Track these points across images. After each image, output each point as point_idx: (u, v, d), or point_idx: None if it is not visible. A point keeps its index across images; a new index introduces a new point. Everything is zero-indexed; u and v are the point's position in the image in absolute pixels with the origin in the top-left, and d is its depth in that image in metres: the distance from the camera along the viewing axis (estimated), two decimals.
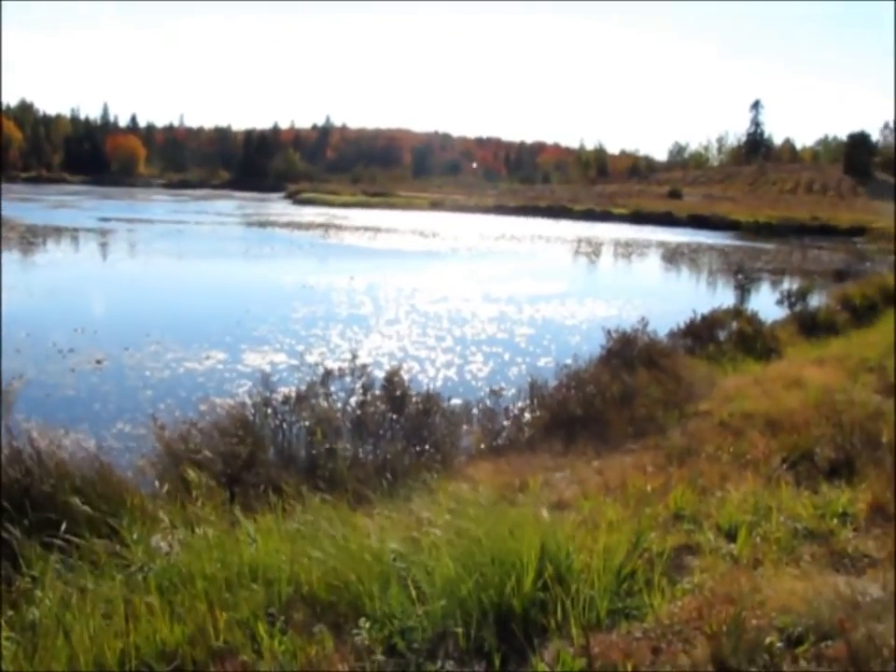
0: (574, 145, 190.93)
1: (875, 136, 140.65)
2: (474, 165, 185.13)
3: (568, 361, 13.10)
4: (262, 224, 63.04)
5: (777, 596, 4.34)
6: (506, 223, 71.60)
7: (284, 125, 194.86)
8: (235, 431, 8.49)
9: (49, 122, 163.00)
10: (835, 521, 5.74)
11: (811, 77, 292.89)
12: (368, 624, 4.17)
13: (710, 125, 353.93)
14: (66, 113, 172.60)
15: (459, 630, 4.05)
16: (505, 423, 11.08)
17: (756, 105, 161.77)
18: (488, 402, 11.47)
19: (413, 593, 4.34)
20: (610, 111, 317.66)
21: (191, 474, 7.14)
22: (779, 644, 3.84)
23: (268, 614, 4.35)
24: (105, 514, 6.00)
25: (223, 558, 4.93)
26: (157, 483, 7.70)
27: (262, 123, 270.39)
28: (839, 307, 22.01)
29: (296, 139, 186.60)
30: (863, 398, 10.29)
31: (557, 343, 19.51)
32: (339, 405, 9.70)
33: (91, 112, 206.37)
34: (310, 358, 15.80)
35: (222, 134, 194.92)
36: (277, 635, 4.09)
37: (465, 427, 10.79)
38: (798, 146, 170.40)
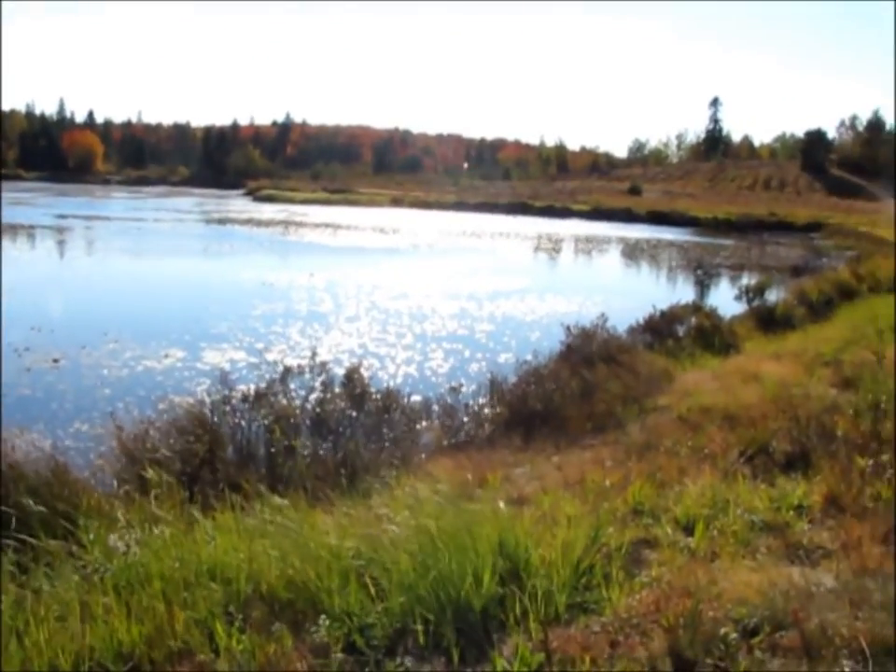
0: (534, 141, 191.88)
1: (832, 134, 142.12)
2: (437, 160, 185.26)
3: (528, 357, 13.15)
4: (222, 221, 62.59)
5: (733, 588, 4.38)
6: (466, 220, 71.52)
7: (243, 121, 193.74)
8: (194, 430, 8.44)
9: (2, 118, 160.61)
10: (791, 513, 5.80)
11: (769, 74, 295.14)
12: (327, 622, 4.16)
13: (670, 122, 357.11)
14: (21, 108, 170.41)
15: (418, 627, 4.05)
16: (465, 419, 11.10)
17: (715, 103, 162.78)
18: (448, 399, 11.49)
19: (372, 590, 4.34)
20: (571, 108, 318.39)
21: (149, 473, 7.09)
22: (735, 635, 3.88)
23: (226, 613, 4.33)
24: (61, 515, 5.95)
25: (181, 557, 4.91)
26: (114, 483, 7.65)
27: (222, 119, 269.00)
28: (796, 302, 22.22)
29: (256, 135, 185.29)
30: (819, 391, 10.41)
31: (517, 340, 19.58)
32: (298, 403, 9.67)
33: (46, 108, 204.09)
34: (270, 356, 15.75)
35: (181, 131, 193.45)
36: (236, 634, 4.07)
37: (425, 423, 10.81)
38: (756, 143, 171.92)
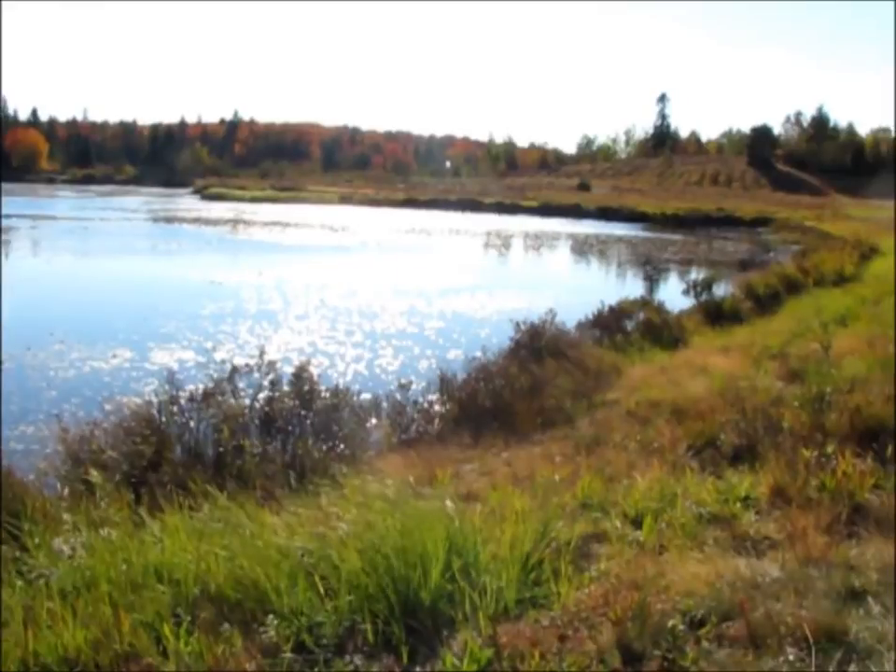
0: (483, 138, 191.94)
1: (777, 129, 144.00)
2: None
3: (478, 354, 13.17)
4: (169, 220, 62.04)
5: (680, 581, 4.43)
6: (416, 217, 71.48)
7: (191, 119, 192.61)
8: (141, 431, 8.36)
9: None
10: (738, 505, 5.87)
11: (715, 70, 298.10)
12: (276, 622, 4.14)
13: (618, 118, 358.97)
14: None
15: (367, 625, 4.05)
16: (415, 416, 11.08)
17: (662, 99, 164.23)
18: (398, 396, 11.47)
19: (322, 588, 4.32)
20: (519, 105, 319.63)
21: (95, 475, 7.01)
22: (682, 627, 3.94)
23: (174, 615, 4.28)
24: (5, 519, 5.86)
25: (128, 560, 4.86)
26: (59, 486, 7.55)
27: (169, 117, 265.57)
28: (743, 296, 22.43)
29: (203, 133, 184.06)
30: (766, 384, 10.52)
31: (467, 336, 19.59)
32: (247, 402, 9.60)
33: None
34: (218, 355, 15.60)
35: (127, 129, 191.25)
36: (184, 635, 4.03)
37: (374, 421, 10.79)
38: (703, 138, 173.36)
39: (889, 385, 9.19)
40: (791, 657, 3.62)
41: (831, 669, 3.54)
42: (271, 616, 4.19)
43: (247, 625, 4.21)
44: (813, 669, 3.54)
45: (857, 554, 4.79)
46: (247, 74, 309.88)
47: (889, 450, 6.76)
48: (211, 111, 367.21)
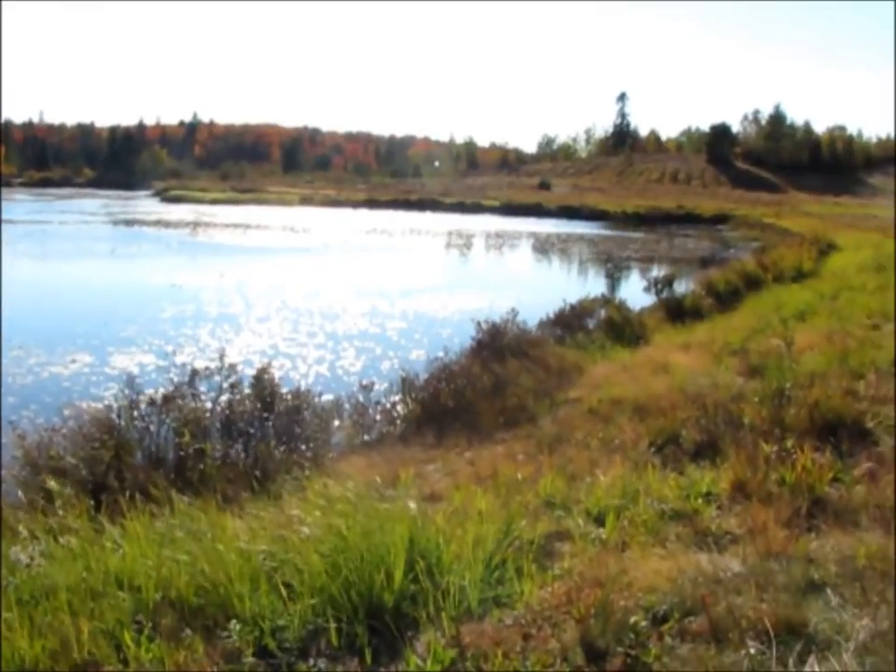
0: (444, 138, 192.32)
1: (736, 127, 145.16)
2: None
3: (440, 354, 13.17)
4: (129, 223, 61.47)
5: (643, 577, 4.45)
6: (377, 217, 71.33)
7: (149, 121, 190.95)
8: (100, 436, 8.28)
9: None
10: (700, 501, 5.91)
11: (674, 69, 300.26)
12: (238, 626, 4.11)
13: (578, 117, 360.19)
14: None
15: (331, 627, 4.03)
16: (377, 417, 11.10)
17: (622, 98, 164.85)
18: (360, 397, 11.46)
19: (284, 592, 4.29)
20: (480, 104, 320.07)
21: (53, 483, 6.93)
22: (645, 623, 3.95)
23: (135, 622, 4.24)
24: None
25: (88, 567, 4.80)
26: (17, 493, 7.46)
27: (127, 119, 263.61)
28: (704, 293, 22.57)
29: (162, 135, 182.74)
30: (727, 380, 10.59)
31: (429, 336, 19.58)
32: (208, 405, 9.55)
33: None
34: (179, 359, 15.46)
35: (85, 131, 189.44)
36: (144, 642, 3.98)
37: (336, 422, 10.78)
38: (663, 137, 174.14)
39: (847, 380, 9.30)
40: (752, 651, 3.64)
41: (791, 661, 3.56)
42: (233, 621, 4.16)
43: (209, 631, 4.18)
44: (773, 662, 3.56)
45: (816, 547, 4.83)
46: (206, 75, 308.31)
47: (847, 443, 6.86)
48: (170, 113, 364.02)
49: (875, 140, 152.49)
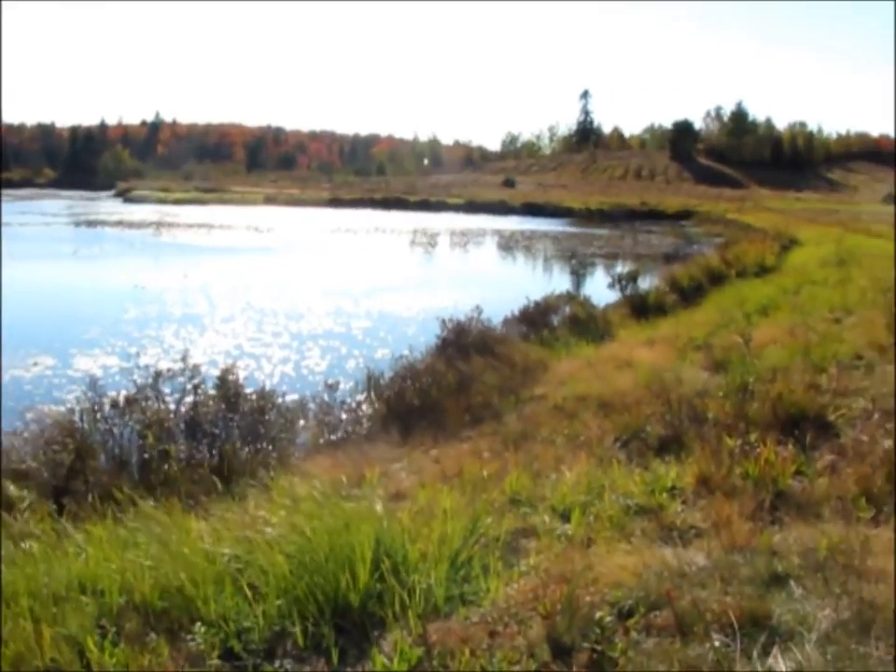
0: (408, 136, 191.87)
1: (698, 124, 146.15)
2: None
3: (405, 352, 13.16)
4: (91, 223, 60.87)
5: (609, 572, 4.46)
6: (342, 216, 71.08)
7: (111, 121, 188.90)
8: (62, 439, 8.20)
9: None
10: (664, 495, 5.93)
11: (637, 67, 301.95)
12: (202, 629, 4.09)
13: (542, 115, 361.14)
14: None
15: (297, 628, 4.02)
16: (343, 416, 11.07)
17: (585, 95, 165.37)
18: (325, 397, 11.43)
19: (249, 593, 4.27)
20: (443, 102, 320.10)
21: (13, 488, 6.86)
22: (611, 618, 3.96)
23: (98, 627, 4.20)
24: None
25: (50, 572, 4.74)
26: None
27: (88, 119, 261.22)
28: (668, 289, 22.68)
29: (124, 135, 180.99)
30: (691, 375, 10.65)
31: (394, 335, 19.57)
32: (172, 406, 9.49)
33: None
34: (143, 360, 15.35)
35: (46, 131, 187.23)
36: (108, 647, 3.94)
37: (302, 422, 10.74)
38: (626, 133, 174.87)
39: (810, 373, 9.38)
40: (716, 643, 3.66)
41: (755, 653, 3.59)
42: (198, 623, 4.13)
43: (174, 634, 4.15)
44: (738, 654, 3.59)
45: (780, 540, 4.87)
46: (169, 74, 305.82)
47: (810, 437, 6.92)
48: (132, 112, 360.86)
49: (835, 136, 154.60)
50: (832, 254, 28.29)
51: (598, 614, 3.95)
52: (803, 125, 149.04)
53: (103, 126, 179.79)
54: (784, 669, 3.46)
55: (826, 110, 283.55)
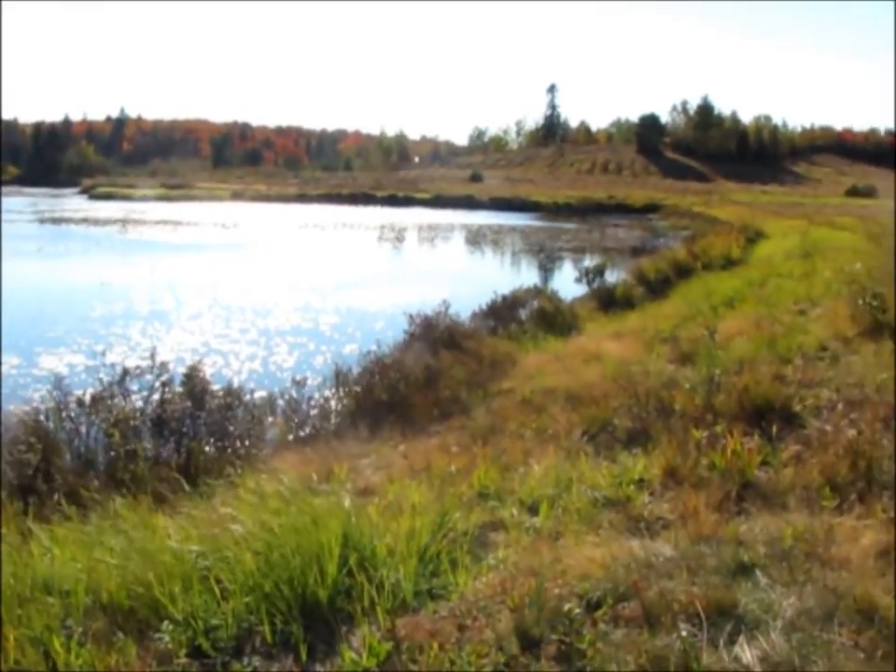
0: (375, 131, 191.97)
1: (665, 118, 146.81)
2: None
3: (373, 348, 13.14)
4: (56, 221, 60.32)
5: (577, 565, 4.48)
6: (309, 212, 70.90)
7: (75, 117, 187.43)
8: (27, 439, 8.13)
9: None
10: (632, 487, 5.96)
11: (603, 61, 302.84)
12: (170, 627, 4.06)
13: (509, 109, 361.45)
14: None
15: (265, 625, 4.00)
16: (311, 412, 11.04)
17: (552, 89, 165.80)
18: (293, 393, 11.40)
19: (217, 591, 4.25)
20: (411, 97, 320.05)
21: None
22: (579, 610, 3.97)
23: (64, 627, 4.15)
24: None
25: (14, 573, 4.70)
26: None
27: (52, 115, 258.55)
28: (635, 282, 22.80)
29: (89, 131, 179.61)
30: (658, 368, 10.71)
31: (362, 330, 19.52)
32: (139, 404, 9.43)
33: None
34: (110, 358, 15.20)
35: (8, 127, 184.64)
36: (74, 648, 3.91)
37: (270, 418, 10.70)
38: (593, 128, 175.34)
39: (776, 365, 9.45)
40: (684, 633, 3.69)
41: (721, 642, 3.61)
42: (165, 622, 4.11)
43: (141, 633, 4.12)
44: (704, 643, 3.61)
45: (746, 530, 4.91)
46: (133, 70, 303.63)
47: (776, 427, 6.98)
48: (96, 108, 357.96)
49: (799, 130, 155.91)
50: (797, 246, 28.48)
51: (566, 606, 3.97)
52: (767, 118, 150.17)
53: (67, 122, 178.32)
54: (750, 657, 3.49)
55: (790, 104, 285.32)
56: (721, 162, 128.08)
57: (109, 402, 9.12)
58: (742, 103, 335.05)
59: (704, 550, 4.58)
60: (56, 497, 6.73)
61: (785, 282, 19.21)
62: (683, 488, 5.67)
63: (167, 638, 4.01)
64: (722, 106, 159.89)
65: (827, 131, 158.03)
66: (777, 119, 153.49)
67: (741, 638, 3.64)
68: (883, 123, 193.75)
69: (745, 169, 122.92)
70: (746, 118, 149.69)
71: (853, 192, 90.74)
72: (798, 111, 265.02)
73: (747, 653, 3.52)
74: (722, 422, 7.14)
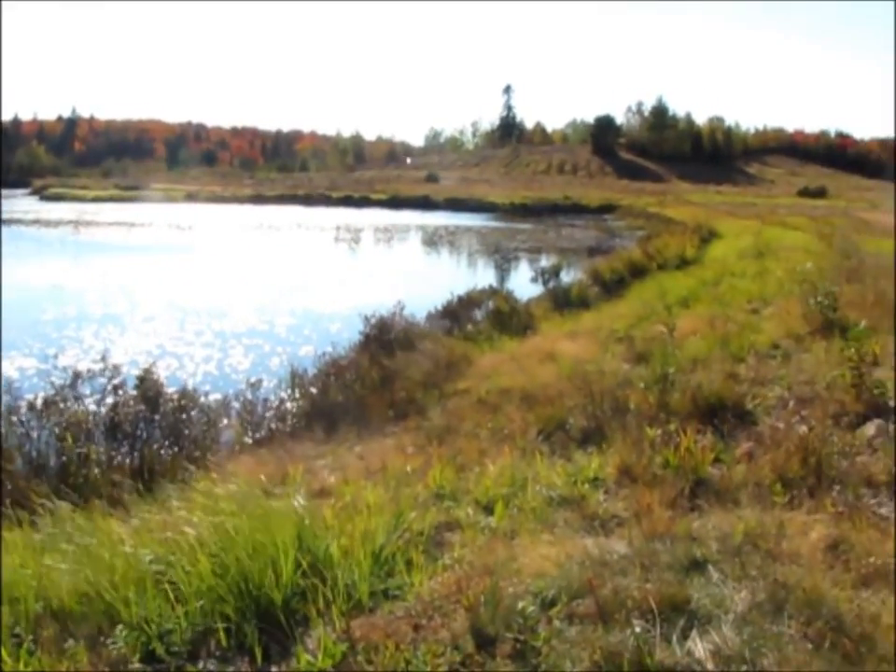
0: (331, 132, 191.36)
1: (620, 119, 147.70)
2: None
3: (329, 349, 13.11)
4: (6, 222, 59.28)
5: (532, 563, 4.50)
6: (264, 213, 70.50)
7: (25, 116, 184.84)
8: None
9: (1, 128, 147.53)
10: (587, 486, 6.00)
11: (559, 62, 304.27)
12: (123, 632, 4.03)
13: (465, 110, 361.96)
14: None
15: (220, 628, 3.99)
16: (266, 414, 11.01)
17: (507, 90, 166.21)
18: (248, 395, 11.35)
19: (172, 595, 4.22)
20: (366, 98, 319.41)
21: None
22: (533, 608, 4.00)
23: (14, 635, 4.12)
24: None
25: None
26: None
27: (1, 115, 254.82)
28: (590, 282, 22.90)
29: (40, 131, 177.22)
30: (613, 367, 10.76)
31: (318, 332, 19.48)
32: (91, 408, 9.34)
33: None
34: (62, 361, 15.05)
35: None
36: (24, 656, 3.87)
37: (225, 421, 10.65)
38: (549, 128, 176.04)
39: (729, 363, 9.55)
40: (637, 629, 3.72)
41: (674, 637, 3.65)
42: (118, 627, 4.08)
43: (94, 639, 4.08)
44: (658, 638, 3.65)
45: (699, 526, 4.96)
46: (85, 69, 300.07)
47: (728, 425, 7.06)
48: (47, 107, 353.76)
49: (752, 131, 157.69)
50: (750, 246, 28.79)
51: (521, 605, 3.99)
52: (720, 119, 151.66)
53: (16, 122, 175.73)
54: (702, 651, 3.52)
55: (743, 106, 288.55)
56: (675, 163, 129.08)
57: (61, 406, 9.03)
58: (696, 104, 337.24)
59: (657, 547, 4.62)
60: (6, 502, 6.63)
61: (738, 281, 19.40)
62: (637, 486, 5.71)
63: (120, 644, 3.98)
64: (677, 108, 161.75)
65: (779, 132, 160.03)
66: (730, 121, 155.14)
67: (693, 633, 3.68)
68: (833, 125, 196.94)
69: (699, 170, 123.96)
70: (700, 119, 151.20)
71: (805, 193, 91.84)
72: (751, 113, 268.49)
73: (699, 648, 3.56)
74: (676, 420, 7.19)
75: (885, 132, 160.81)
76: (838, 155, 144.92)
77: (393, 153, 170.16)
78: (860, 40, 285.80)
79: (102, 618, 4.23)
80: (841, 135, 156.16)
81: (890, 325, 10.18)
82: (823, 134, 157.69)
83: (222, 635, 3.98)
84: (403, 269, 35.70)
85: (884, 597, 3.99)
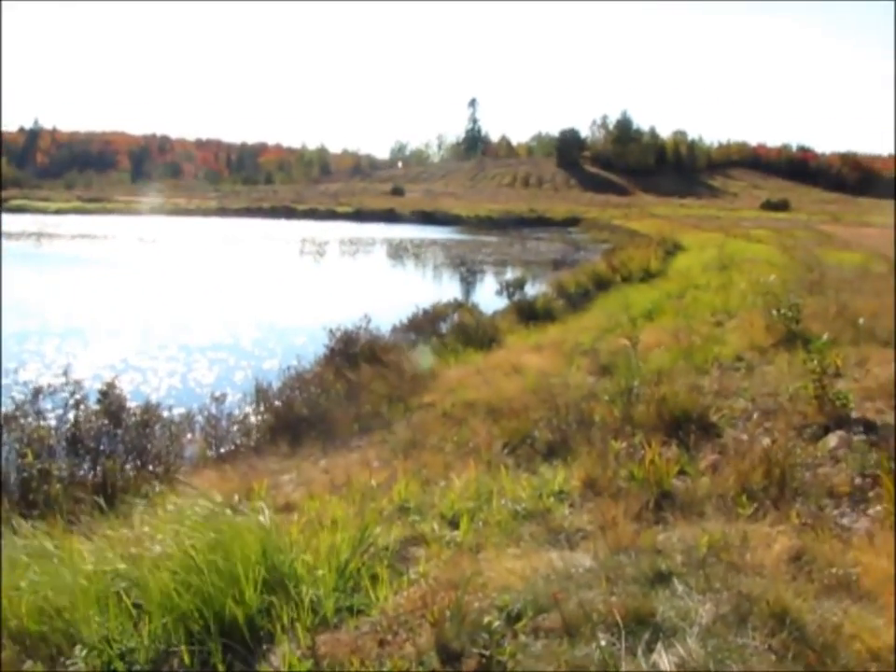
0: (296, 145, 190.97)
1: (585, 132, 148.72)
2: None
3: (294, 363, 13.06)
4: None
5: (497, 577, 4.50)
6: (229, 225, 70.20)
7: None
8: None
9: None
10: (552, 499, 6.01)
11: (524, 76, 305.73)
12: (84, 652, 3.98)
13: (430, 123, 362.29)
14: None
15: (183, 646, 3.95)
16: (231, 429, 10.95)
17: (473, 103, 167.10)
18: (213, 409, 11.27)
19: (134, 613, 4.18)
20: (331, 111, 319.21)
21: None
22: (499, 622, 3.99)
23: None
24: None
25: None
26: None
27: None
28: (555, 295, 22.97)
29: (1, 143, 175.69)
30: (578, 380, 10.79)
31: (283, 345, 19.34)
32: (52, 423, 9.23)
33: None
34: (23, 376, 14.89)
35: None
36: None
37: (189, 435, 10.56)
38: (514, 142, 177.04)
39: (693, 375, 9.59)
40: (602, 642, 3.73)
41: (640, 650, 3.65)
42: (78, 646, 4.03)
43: (53, 659, 4.04)
44: (623, 652, 3.65)
45: (663, 539, 4.98)
46: (48, 80, 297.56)
47: (693, 437, 7.09)
48: (9, 119, 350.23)
49: (716, 145, 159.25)
50: (714, 259, 29.02)
51: (487, 619, 3.99)
52: (683, 133, 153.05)
53: None
54: (667, 664, 3.53)
55: (706, 119, 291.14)
56: (639, 176, 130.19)
57: (22, 421, 8.92)
58: (660, 118, 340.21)
59: (622, 560, 4.63)
60: None
61: (702, 294, 19.52)
62: (602, 499, 5.73)
63: (80, 664, 3.94)
64: (641, 122, 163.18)
65: (742, 146, 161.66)
66: (693, 135, 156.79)
67: (659, 646, 3.69)
68: (794, 139, 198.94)
69: (663, 182, 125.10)
70: (664, 133, 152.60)
71: (767, 206, 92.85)
72: (714, 127, 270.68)
73: (664, 660, 3.56)
74: (641, 433, 7.22)
75: (845, 146, 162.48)
76: (800, 169, 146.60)
77: (358, 166, 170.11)
78: (823, 55, 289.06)
79: (61, 637, 4.19)
80: (803, 149, 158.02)
81: (852, 337, 10.29)
82: (785, 148, 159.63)
83: (185, 653, 3.94)
84: (368, 282, 35.65)
85: (846, 607, 4.02)
